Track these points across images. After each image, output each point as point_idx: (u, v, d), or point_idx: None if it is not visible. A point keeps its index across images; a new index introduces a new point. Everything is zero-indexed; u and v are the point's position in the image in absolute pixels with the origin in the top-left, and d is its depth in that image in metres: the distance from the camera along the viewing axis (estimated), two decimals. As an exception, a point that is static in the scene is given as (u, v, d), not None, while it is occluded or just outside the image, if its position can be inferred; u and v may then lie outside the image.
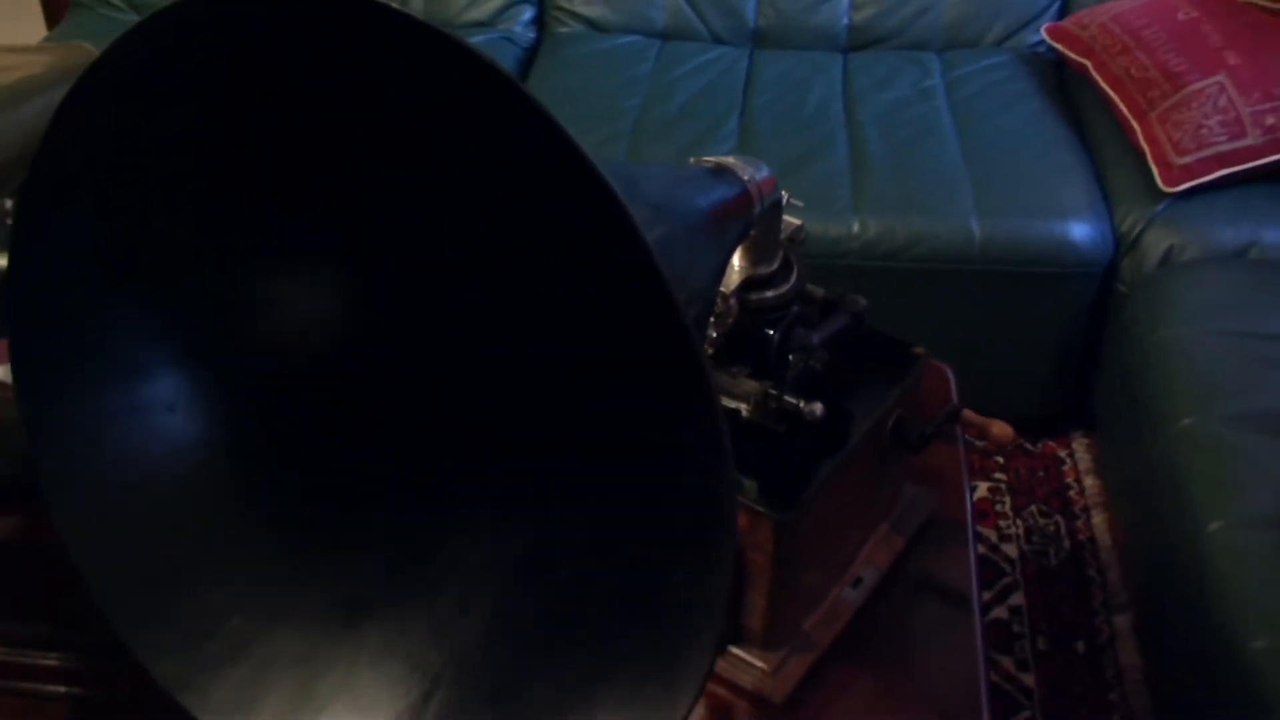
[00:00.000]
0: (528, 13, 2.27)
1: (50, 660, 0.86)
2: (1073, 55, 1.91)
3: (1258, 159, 1.58)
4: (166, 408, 0.65)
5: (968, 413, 1.13)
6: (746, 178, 0.72)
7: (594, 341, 0.64)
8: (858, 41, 2.17)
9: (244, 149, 0.58)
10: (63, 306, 0.58)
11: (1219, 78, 1.62)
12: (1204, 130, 1.60)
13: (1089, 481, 1.83)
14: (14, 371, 0.57)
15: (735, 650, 0.86)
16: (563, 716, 0.55)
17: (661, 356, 0.49)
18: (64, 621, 0.86)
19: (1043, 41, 2.08)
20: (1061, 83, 2.01)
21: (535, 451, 0.65)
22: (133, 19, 2.17)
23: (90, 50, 0.91)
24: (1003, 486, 1.82)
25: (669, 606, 0.53)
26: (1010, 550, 1.71)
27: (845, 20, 2.16)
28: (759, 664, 0.85)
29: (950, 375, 1.32)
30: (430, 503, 0.65)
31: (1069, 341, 1.75)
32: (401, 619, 0.62)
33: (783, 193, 0.77)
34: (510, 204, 0.60)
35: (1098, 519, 1.76)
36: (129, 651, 0.60)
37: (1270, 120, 1.58)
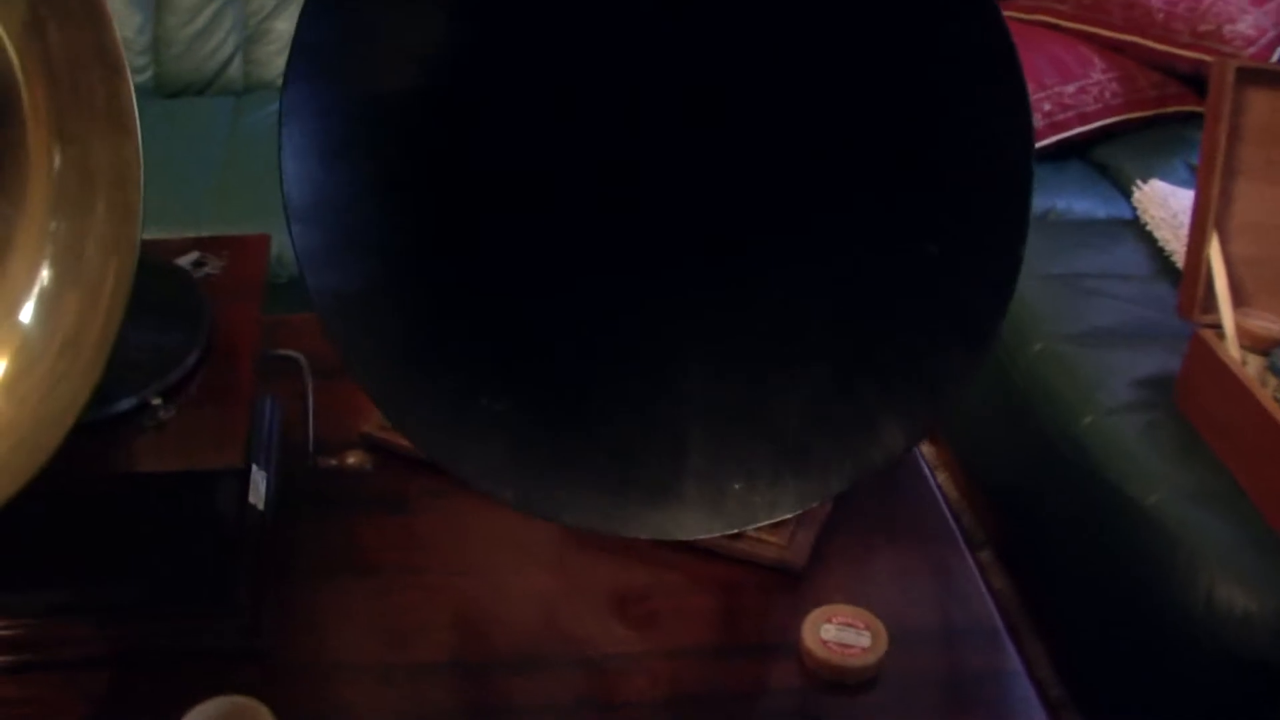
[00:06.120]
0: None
1: (81, 626, 0.81)
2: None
3: (1041, 140, 1.84)
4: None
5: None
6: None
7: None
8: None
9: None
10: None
11: (1001, 74, 1.87)
12: (995, 119, 1.84)
13: (926, 449, 2.01)
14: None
15: (749, 533, 0.90)
16: (828, 402, 0.61)
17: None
18: (90, 583, 0.82)
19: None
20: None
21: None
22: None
23: None
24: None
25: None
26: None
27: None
28: (774, 539, 0.91)
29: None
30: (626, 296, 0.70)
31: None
32: (624, 397, 0.67)
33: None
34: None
35: (942, 477, 1.94)
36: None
37: (1047, 107, 1.84)
